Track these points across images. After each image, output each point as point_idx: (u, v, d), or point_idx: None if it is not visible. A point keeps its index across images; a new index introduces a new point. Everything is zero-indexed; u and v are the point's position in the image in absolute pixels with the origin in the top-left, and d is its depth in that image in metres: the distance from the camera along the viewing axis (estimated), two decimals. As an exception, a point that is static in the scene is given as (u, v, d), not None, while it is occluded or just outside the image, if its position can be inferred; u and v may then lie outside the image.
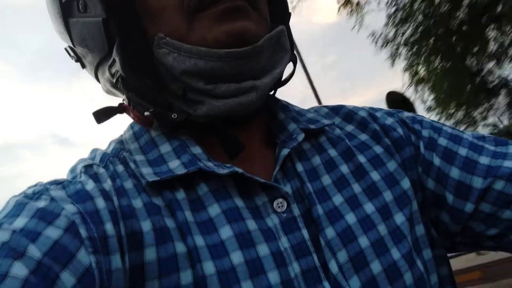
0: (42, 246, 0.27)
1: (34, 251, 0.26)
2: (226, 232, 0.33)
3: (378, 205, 0.38)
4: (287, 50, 0.40)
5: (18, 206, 0.30)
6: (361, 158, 0.41)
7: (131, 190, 0.35)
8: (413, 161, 0.42)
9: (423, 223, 0.40)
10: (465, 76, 5.81)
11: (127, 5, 0.36)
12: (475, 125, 6.41)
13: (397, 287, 0.34)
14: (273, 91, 0.44)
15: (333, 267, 0.34)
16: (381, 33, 5.86)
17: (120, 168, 0.37)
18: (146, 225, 0.32)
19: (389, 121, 0.44)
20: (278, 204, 0.36)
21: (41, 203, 0.30)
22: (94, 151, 0.40)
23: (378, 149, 0.42)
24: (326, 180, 0.39)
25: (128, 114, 0.41)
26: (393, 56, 5.95)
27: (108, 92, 0.44)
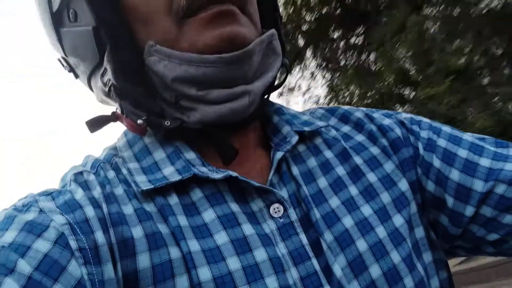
0: (31, 260, 0.26)
1: (24, 266, 0.26)
2: (221, 237, 0.32)
3: (376, 207, 0.38)
4: (278, 54, 0.39)
5: (7, 219, 0.29)
6: (357, 160, 0.40)
7: (122, 196, 0.34)
8: (411, 163, 0.41)
9: (423, 225, 0.40)
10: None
11: (116, 13, 0.35)
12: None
13: None
14: (266, 96, 0.44)
15: (337, 271, 0.33)
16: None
17: (111, 174, 0.36)
18: (137, 231, 0.31)
19: (387, 121, 0.44)
20: (274, 209, 0.35)
21: (30, 216, 0.30)
22: (87, 157, 0.39)
23: (374, 150, 0.42)
24: (322, 182, 0.38)
25: (122, 122, 0.41)
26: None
27: (101, 101, 0.43)
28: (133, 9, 0.35)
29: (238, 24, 0.34)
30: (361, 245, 0.35)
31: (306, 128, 0.41)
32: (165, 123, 0.36)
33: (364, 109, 0.47)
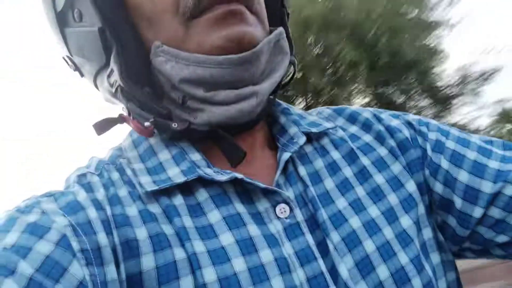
0: (33, 262, 0.26)
1: (25, 268, 0.26)
2: (227, 238, 0.32)
3: (383, 208, 0.37)
4: (286, 52, 0.39)
5: (9, 221, 0.29)
6: (365, 161, 0.40)
7: (126, 197, 0.34)
8: (419, 164, 0.41)
9: (431, 227, 0.39)
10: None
11: (122, 14, 0.35)
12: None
13: None
14: (273, 95, 0.43)
15: (343, 272, 0.33)
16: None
17: (115, 175, 0.36)
18: (141, 233, 0.31)
19: (395, 122, 0.44)
20: (280, 209, 0.35)
21: (32, 217, 0.29)
22: (92, 158, 0.39)
23: (382, 151, 0.41)
24: (329, 183, 0.38)
25: (128, 124, 0.40)
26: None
27: (108, 100, 0.43)
28: (139, 9, 0.35)
29: (245, 23, 0.34)
30: (369, 246, 0.35)
31: (313, 129, 0.41)
32: (173, 125, 0.36)
33: (371, 109, 0.46)
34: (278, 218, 0.35)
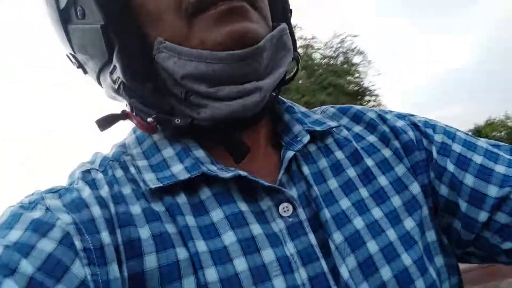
0: (35, 260, 0.26)
1: (26, 267, 0.26)
2: (229, 237, 0.32)
3: (386, 210, 0.37)
4: (289, 48, 0.39)
5: (13, 217, 0.29)
6: (369, 162, 0.40)
7: (129, 195, 0.34)
8: (424, 166, 0.41)
9: (435, 229, 0.39)
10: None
11: (124, 11, 0.35)
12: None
13: None
14: (277, 90, 0.43)
15: (344, 272, 0.33)
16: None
17: (119, 172, 0.36)
18: (144, 232, 0.31)
19: (400, 123, 0.43)
20: (283, 208, 0.35)
21: (36, 214, 0.29)
22: (95, 154, 0.39)
23: (386, 152, 0.41)
24: (333, 183, 0.38)
25: (131, 120, 0.40)
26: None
27: (111, 97, 0.43)
28: (142, 6, 0.34)
29: (248, 20, 0.33)
30: (372, 246, 0.34)
31: (318, 128, 0.41)
32: (175, 120, 0.36)
33: (377, 109, 0.46)
34: (281, 216, 0.35)
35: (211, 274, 0.30)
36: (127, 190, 0.34)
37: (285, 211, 0.35)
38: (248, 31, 0.33)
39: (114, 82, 0.38)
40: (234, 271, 0.31)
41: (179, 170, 0.35)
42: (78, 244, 0.28)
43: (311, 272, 0.32)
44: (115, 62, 0.35)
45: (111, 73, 0.37)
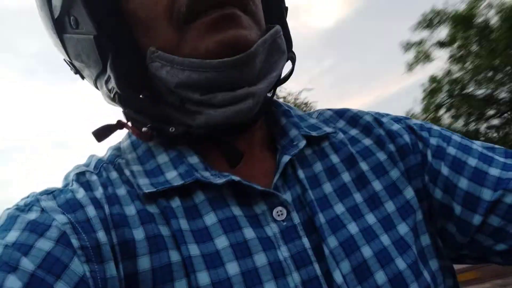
0: (34, 258, 0.27)
1: (27, 264, 0.26)
2: (222, 242, 0.32)
3: (380, 216, 0.37)
4: (283, 51, 0.38)
5: (10, 219, 0.30)
6: (364, 166, 0.40)
7: (124, 197, 0.34)
8: (419, 170, 0.41)
9: (429, 233, 0.39)
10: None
11: (117, 21, 0.35)
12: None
13: None
14: (272, 91, 0.43)
15: (338, 277, 0.33)
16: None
17: (113, 174, 0.36)
18: (138, 233, 0.31)
19: (396, 127, 0.43)
20: (277, 212, 0.35)
21: (32, 215, 0.30)
22: (91, 157, 0.39)
23: (381, 156, 0.41)
24: (328, 188, 0.38)
25: (128, 129, 0.41)
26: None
27: (109, 103, 0.43)
28: (134, 15, 0.35)
29: (240, 27, 0.33)
30: (366, 251, 0.34)
31: (314, 133, 0.41)
32: (170, 129, 0.36)
33: (373, 112, 0.46)
34: (275, 221, 0.35)
35: (203, 277, 0.30)
36: (121, 191, 0.34)
37: (279, 215, 0.35)
38: (240, 38, 0.33)
39: (110, 91, 0.38)
40: (226, 275, 0.31)
41: (173, 177, 0.35)
42: (75, 242, 0.29)
43: (304, 276, 0.32)
44: (109, 72, 0.36)
45: (106, 82, 0.38)
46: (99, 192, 0.33)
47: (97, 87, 0.42)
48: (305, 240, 0.34)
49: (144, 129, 0.37)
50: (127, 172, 0.36)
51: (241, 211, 0.34)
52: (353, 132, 0.44)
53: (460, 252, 0.40)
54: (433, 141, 0.42)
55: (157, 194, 0.34)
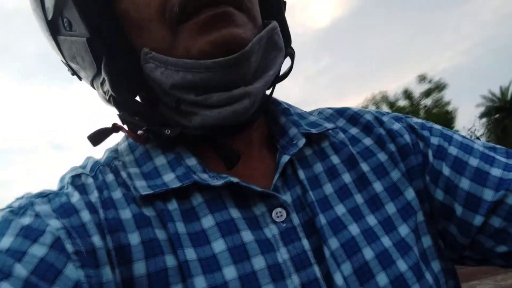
0: (28, 265, 0.27)
1: (20, 270, 0.26)
2: (219, 245, 0.32)
3: (381, 218, 0.37)
4: (280, 48, 0.37)
5: (4, 223, 0.30)
6: (364, 167, 0.39)
7: (120, 200, 0.34)
8: (420, 170, 0.40)
9: (431, 234, 0.39)
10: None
11: (110, 22, 0.34)
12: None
13: None
14: (271, 88, 0.42)
15: (339, 279, 0.32)
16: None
17: (109, 177, 0.36)
18: (134, 238, 0.31)
19: (396, 126, 0.43)
20: (277, 213, 0.34)
21: (26, 220, 0.30)
22: (87, 159, 0.39)
23: (382, 156, 0.41)
24: (328, 189, 0.38)
25: (124, 132, 0.40)
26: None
27: (106, 104, 0.43)
28: (126, 16, 0.34)
29: (234, 25, 0.33)
30: (368, 253, 0.34)
31: (313, 130, 0.40)
32: (166, 131, 0.35)
33: (374, 111, 0.45)
34: (275, 222, 0.34)
35: (199, 282, 0.30)
36: (117, 194, 0.34)
37: (278, 216, 0.34)
38: (234, 37, 0.32)
39: (105, 93, 0.38)
40: (223, 279, 0.30)
41: (170, 179, 0.35)
42: (69, 247, 0.28)
43: (304, 278, 0.32)
44: (103, 75, 0.35)
45: (101, 84, 0.37)
46: (94, 196, 0.33)
47: (94, 88, 0.42)
48: (305, 242, 0.34)
49: (139, 132, 0.37)
50: (123, 175, 0.36)
51: (239, 213, 0.34)
52: (354, 131, 0.43)
53: (462, 254, 0.40)
54: (434, 140, 0.41)
55: (154, 196, 0.34)
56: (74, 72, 0.43)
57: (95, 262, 0.29)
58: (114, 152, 0.40)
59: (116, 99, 0.37)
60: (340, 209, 0.36)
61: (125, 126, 0.40)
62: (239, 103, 0.34)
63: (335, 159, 0.40)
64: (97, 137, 0.39)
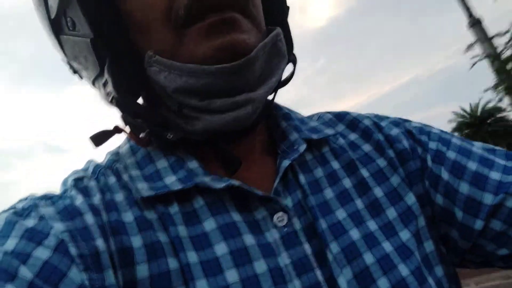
0: (32, 267, 0.27)
1: (25, 273, 0.26)
2: (221, 248, 0.32)
3: (381, 223, 0.37)
4: (284, 55, 0.38)
5: (8, 225, 0.29)
6: (364, 173, 0.40)
7: (122, 203, 0.34)
8: (419, 175, 0.40)
9: (433, 239, 0.39)
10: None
11: (114, 23, 0.34)
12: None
13: None
14: (273, 94, 0.43)
15: (342, 282, 0.32)
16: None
17: (111, 180, 0.36)
18: (136, 241, 0.31)
19: (395, 132, 0.43)
20: (278, 218, 0.34)
21: (30, 222, 0.30)
22: (89, 162, 0.39)
23: (381, 162, 0.41)
24: (329, 193, 0.38)
25: (126, 134, 0.40)
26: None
27: (107, 105, 0.43)
28: (131, 18, 0.34)
29: (239, 31, 0.33)
30: (368, 258, 0.34)
31: (314, 136, 0.41)
32: (168, 136, 0.36)
33: (373, 116, 0.46)
34: (276, 226, 0.34)
35: (201, 285, 0.30)
36: (119, 197, 0.34)
37: (279, 221, 0.34)
38: (238, 43, 0.33)
39: (107, 94, 0.38)
40: (225, 282, 0.30)
41: (172, 181, 0.35)
42: (73, 250, 0.28)
43: (305, 282, 0.32)
44: (106, 76, 0.35)
45: (104, 85, 0.37)
46: (97, 198, 0.33)
47: (95, 88, 0.42)
48: (306, 246, 0.34)
49: (141, 135, 0.37)
50: (125, 177, 0.36)
51: (240, 217, 0.34)
52: (353, 136, 0.44)
53: (463, 258, 0.40)
54: (432, 145, 0.41)
55: (155, 199, 0.34)
56: (75, 72, 0.43)
57: (99, 265, 0.29)
58: (115, 155, 0.40)
59: (118, 101, 0.37)
60: (341, 214, 0.36)
61: (127, 128, 0.40)
62: (242, 109, 0.34)
63: (335, 165, 0.40)
64: (99, 138, 0.39)
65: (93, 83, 0.40)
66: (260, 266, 0.32)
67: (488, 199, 0.37)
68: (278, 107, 0.44)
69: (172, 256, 0.31)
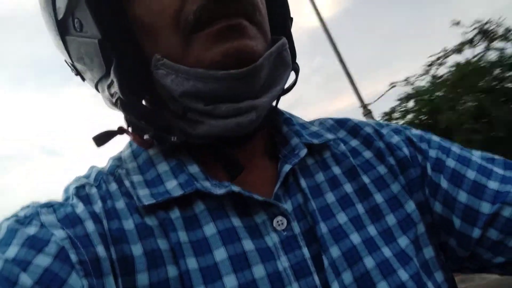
0: (33, 274, 0.27)
1: (26, 280, 0.26)
2: (220, 254, 0.32)
3: (381, 229, 0.37)
4: (288, 64, 0.38)
5: (10, 233, 0.30)
6: (365, 179, 0.40)
7: (123, 210, 0.34)
8: (419, 183, 0.41)
9: (433, 246, 0.39)
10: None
11: (122, 25, 0.34)
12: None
13: None
14: (276, 101, 0.43)
15: (337, 287, 0.32)
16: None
17: (113, 186, 0.36)
18: (137, 249, 0.31)
19: (395, 139, 0.43)
20: (278, 222, 0.35)
21: (31, 230, 0.30)
22: (91, 168, 0.39)
23: (382, 169, 0.41)
24: (330, 197, 0.38)
25: (128, 135, 0.40)
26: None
27: (109, 107, 0.43)
28: (139, 21, 0.34)
29: (246, 37, 0.33)
30: (369, 262, 0.34)
31: (315, 141, 0.41)
32: (172, 138, 0.36)
33: (374, 123, 0.46)
34: (276, 230, 0.34)
35: None
36: (120, 204, 0.34)
37: (279, 225, 0.35)
38: (246, 49, 0.33)
39: (112, 95, 0.38)
40: None
41: (173, 187, 0.35)
42: (73, 257, 0.28)
43: (303, 286, 0.32)
44: (112, 77, 0.35)
45: (109, 86, 0.37)
46: (98, 206, 0.33)
47: (98, 90, 0.42)
48: (305, 250, 0.34)
49: (145, 137, 0.37)
50: (127, 183, 0.36)
51: (240, 222, 0.34)
52: (354, 143, 0.44)
53: (461, 265, 0.41)
54: (432, 153, 0.42)
55: (156, 205, 0.34)
56: (78, 73, 0.42)
57: (99, 272, 0.29)
58: (118, 160, 0.40)
59: (123, 102, 0.37)
60: (342, 218, 0.37)
61: (130, 130, 0.40)
62: (245, 115, 0.34)
63: (336, 170, 0.40)
64: (101, 139, 0.40)
65: (97, 84, 0.40)
66: (259, 270, 0.32)
67: (486, 208, 0.37)
68: (280, 112, 0.44)
69: (171, 263, 0.31)
